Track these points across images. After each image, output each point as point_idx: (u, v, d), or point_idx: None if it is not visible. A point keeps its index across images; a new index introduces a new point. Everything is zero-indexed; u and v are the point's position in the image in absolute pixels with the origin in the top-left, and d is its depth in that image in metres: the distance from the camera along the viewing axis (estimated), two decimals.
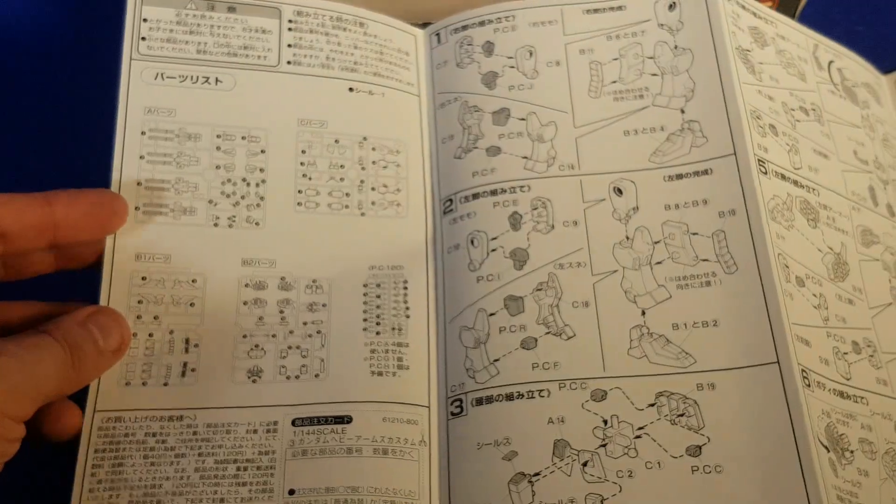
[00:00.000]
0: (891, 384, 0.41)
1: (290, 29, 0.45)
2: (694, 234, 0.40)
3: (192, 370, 0.38)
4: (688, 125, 0.43)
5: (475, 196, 0.43)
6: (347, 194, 0.43)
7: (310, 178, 0.43)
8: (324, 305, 0.40)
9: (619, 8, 0.46)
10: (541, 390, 0.38)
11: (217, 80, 0.43)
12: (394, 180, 0.44)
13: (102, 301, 0.38)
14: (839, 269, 0.42)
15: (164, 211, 0.40)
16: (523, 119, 0.44)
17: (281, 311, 0.40)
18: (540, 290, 0.40)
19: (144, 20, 0.43)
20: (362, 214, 0.43)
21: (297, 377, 0.39)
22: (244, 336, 0.39)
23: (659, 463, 0.36)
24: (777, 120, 0.44)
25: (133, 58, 0.42)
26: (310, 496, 0.36)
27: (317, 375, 0.39)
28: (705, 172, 0.41)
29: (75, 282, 0.40)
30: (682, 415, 0.37)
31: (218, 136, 0.42)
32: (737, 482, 0.35)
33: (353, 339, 0.40)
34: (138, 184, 0.40)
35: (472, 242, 0.42)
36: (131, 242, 0.39)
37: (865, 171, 0.47)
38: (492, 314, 0.40)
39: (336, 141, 0.44)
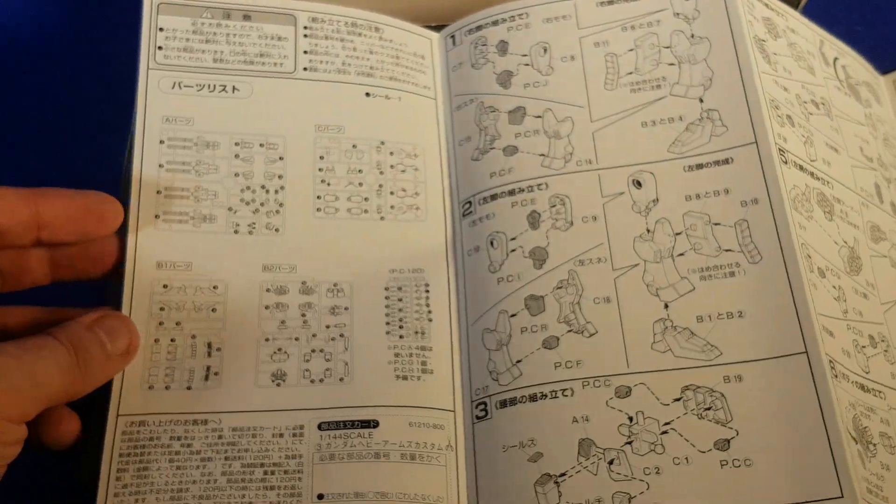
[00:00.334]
0: None
1: (305, 35, 0.45)
2: (716, 224, 0.39)
3: (216, 374, 0.38)
4: (707, 114, 0.42)
5: (493, 197, 0.43)
6: (366, 199, 0.43)
7: (328, 184, 0.42)
8: (346, 309, 0.40)
9: None
10: (564, 390, 0.38)
11: (234, 88, 0.43)
12: (412, 184, 0.44)
13: (125, 309, 0.38)
14: (853, 263, 0.41)
15: (184, 219, 0.40)
16: (539, 116, 0.44)
17: (303, 315, 0.40)
18: (560, 288, 0.40)
19: (160, 29, 0.43)
20: (381, 219, 0.42)
21: (321, 381, 0.39)
22: (267, 339, 0.39)
23: (687, 458, 0.35)
24: (792, 111, 0.43)
25: (150, 67, 0.42)
26: (338, 501, 0.36)
27: (341, 379, 0.39)
28: (726, 161, 0.41)
29: (84, 291, 0.40)
30: (709, 408, 0.36)
31: (236, 144, 0.42)
32: (767, 475, 0.34)
33: (376, 343, 0.40)
34: (158, 192, 0.40)
35: (491, 244, 0.42)
36: (152, 251, 0.39)
37: (871, 168, 0.46)
38: (513, 315, 0.40)
39: (354, 146, 0.43)
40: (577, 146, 0.43)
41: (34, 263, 0.37)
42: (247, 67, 0.43)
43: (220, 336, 0.39)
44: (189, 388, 0.38)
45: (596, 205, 0.41)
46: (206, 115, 0.42)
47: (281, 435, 0.37)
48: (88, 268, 0.39)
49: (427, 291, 0.41)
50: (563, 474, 0.36)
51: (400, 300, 0.41)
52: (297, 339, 0.39)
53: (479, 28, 0.47)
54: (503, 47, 0.46)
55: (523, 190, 0.42)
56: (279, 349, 0.39)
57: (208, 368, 0.38)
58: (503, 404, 0.38)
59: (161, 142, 0.41)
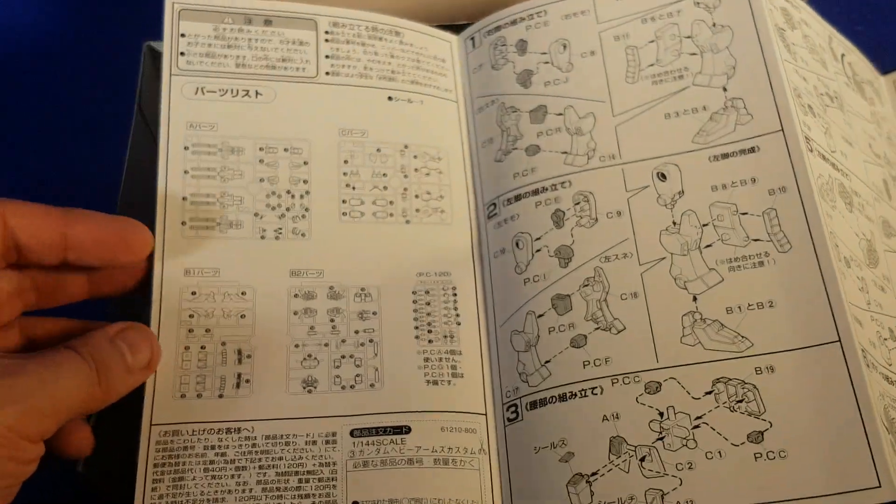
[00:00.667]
0: None
1: (326, 40, 0.45)
2: (744, 213, 0.38)
3: (247, 381, 0.38)
4: (731, 103, 0.41)
5: (517, 198, 0.42)
6: (391, 202, 0.43)
7: (353, 188, 0.42)
8: (374, 313, 0.40)
9: None
10: (593, 388, 0.37)
11: (257, 92, 0.43)
12: (437, 187, 0.43)
13: (153, 316, 0.38)
14: (872, 256, 0.40)
15: (210, 225, 0.40)
16: (560, 114, 0.43)
17: (332, 320, 0.40)
18: (587, 286, 0.39)
19: (182, 35, 0.43)
20: (407, 222, 0.42)
21: (352, 387, 0.38)
22: (296, 346, 0.39)
23: (720, 452, 0.34)
24: (813, 101, 0.42)
25: (173, 73, 0.42)
26: None
27: (372, 385, 0.38)
28: (752, 150, 0.40)
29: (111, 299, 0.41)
30: (741, 401, 0.35)
31: (260, 149, 0.42)
32: (803, 467, 0.33)
33: (405, 348, 0.39)
34: (184, 199, 0.40)
35: (517, 245, 0.41)
36: (180, 258, 0.39)
37: (879, 164, 0.45)
38: (540, 315, 0.39)
39: (378, 150, 0.43)
40: (599, 142, 0.42)
41: (70, 280, 0.37)
42: (269, 72, 0.43)
43: (251, 343, 0.39)
44: (221, 395, 0.38)
45: (620, 200, 0.41)
46: (229, 121, 0.42)
47: (314, 442, 0.37)
48: (127, 282, 0.39)
49: (455, 295, 0.41)
50: (594, 473, 0.35)
51: (428, 304, 0.41)
52: (326, 344, 0.39)
53: (497, 28, 0.47)
54: (522, 46, 0.46)
55: (547, 189, 0.42)
56: (309, 355, 0.39)
57: (239, 376, 0.38)
58: (533, 405, 0.38)
59: (186, 148, 0.41)
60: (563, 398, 0.37)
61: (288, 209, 0.41)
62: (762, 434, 0.34)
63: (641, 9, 0.45)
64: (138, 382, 0.36)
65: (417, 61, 0.46)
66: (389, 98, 0.44)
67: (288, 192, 0.42)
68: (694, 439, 0.35)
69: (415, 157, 0.44)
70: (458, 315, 0.41)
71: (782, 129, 0.39)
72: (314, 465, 0.37)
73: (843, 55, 0.48)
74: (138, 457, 0.36)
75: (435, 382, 0.39)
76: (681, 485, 0.34)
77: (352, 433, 0.37)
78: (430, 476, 0.37)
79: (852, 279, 0.38)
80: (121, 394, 0.35)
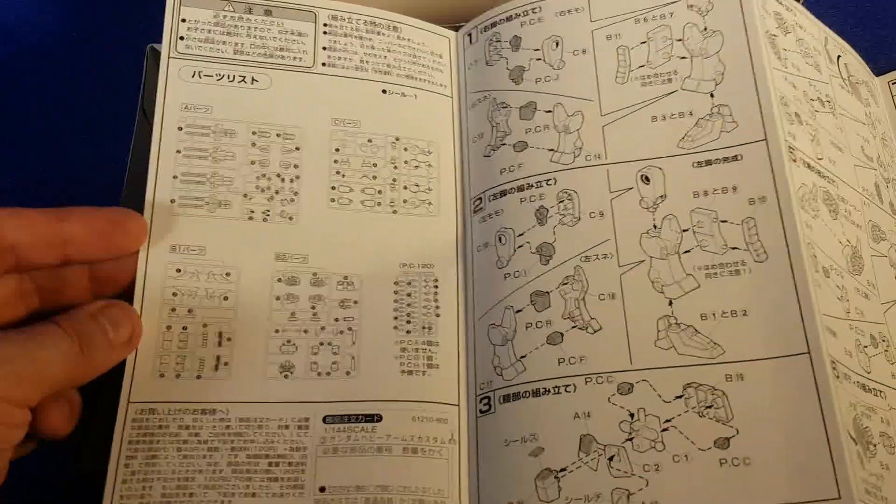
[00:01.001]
0: None
1: (325, 32, 0.45)
2: (723, 221, 0.38)
3: (226, 364, 0.38)
4: (717, 109, 0.41)
5: (503, 193, 0.42)
6: (380, 192, 0.42)
7: (343, 175, 0.42)
8: (355, 302, 0.40)
9: None
10: (567, 385, 0.37)
11: (253, 79, 0.43)
12: (425, 180, 0.43)
13: (137, 292, 0.38)
14: (856, 263, 0.40)
15: (199, 204, 0.40)
16: (549, 111, 0.43)
17: (313, 307, 0.40)
18: (566, 284, 0.39)
19: (183, 20, 0.43)
20: (394, 212, 0.42)
21: (328, 374, 0.38)
22: (276, 331, 0.39)
23: (686, 456, 0.35)
24: (801, 108, 0.42)
25: (171, 56, 0.42)
26: (340, 494, 0.36)
27: (348, 373, 0.38)
28: (735, 158, 0.40)
29: None
30: (710, 406, 0.35)
31: (253, 133, 0.42)
32: (766, 475, 0.33)
33: (383, 337, 0.39)
34: (174, 177, 0.40)
35: (499, 240, 0.41)
36: (166, 234, 0.39)
37: (871, 167, 0.45)
38: (519, 311, 0.39)
39: (369, 140, 0.43)
40: (586, 141, 0.42)
41: (72, 280, 0.37)
42: (266, 60, 0.43)
43: (232, 326, 0.39)
44: (199, 377, 0.38)
45: (604, 200, 0.40)
46: (224, 104, 0.42)
47: (287, 427, 0.37)
48: (128, 280, 0.39)
49: (436, 287, 0.41)
50: (563, 469, 0.36)
51: (409, 295, 0.41)
52: (305, 331, 0.39)
53: (493, 25, 0.46)
54: (516, 42, 0.45)
55: (532, 186, 0.42)
56: (288, 341, 0.39)
57: (218, 358, 0.38)
58: (506, 399, 0.38)
59: (179, 128, 0.41)
60: (536, 393, 0.38)
61: (277, 192, 0.41)
62: (728, 441, 0.34)
63: (635, 9, 0.44)
64: (120, 358, 0.36)
65: (414, 56, 0.46)
66: (384, 91, 0.44)
67: (278, 175, 0.42)
68: (662, 442, 0.35)
69: (405, 149, 0.44)
70: (437, 307, 0.41)
71: (766, 139, 0.39)
72: (285, 449, 0.37)
73: (838, 56, 0.48)
74: (112, 433, 0.36)
75: (410, 372, 0.39)
76: (647, 486, 0.34)
77: (324, 419, 0.38)
78: (399, 464, 0.37)
79: (831, 288, 0.38)
80: (103, 368, 0.35)
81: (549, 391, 0.37)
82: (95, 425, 0.37)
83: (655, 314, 0.38)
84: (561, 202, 0.41)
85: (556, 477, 0.36)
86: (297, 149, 0.42)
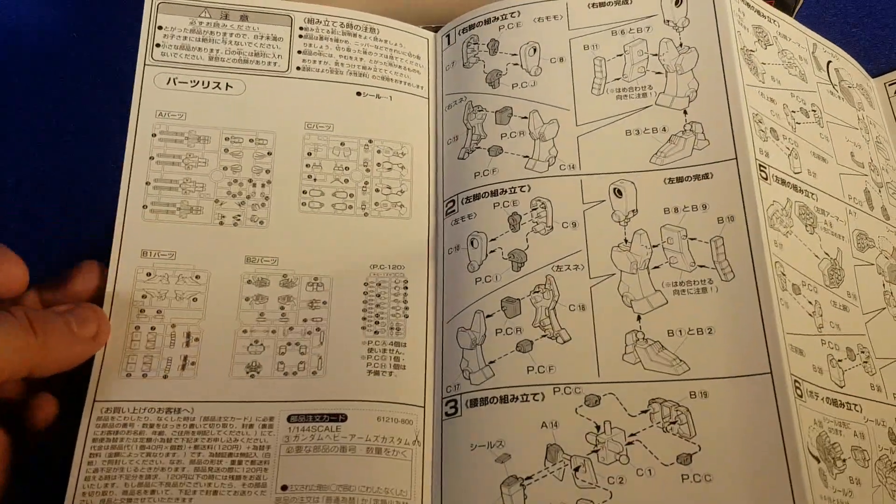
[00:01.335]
0: (885, 390, 0.39)
1: (300, 36, 0.44)
2: (692, 239, 0.39)
3: (192, 364, 0.38)
4: (690, 126, 0.41)
5: (476, 197, 0.42)
6: (351, 195, 0.42)
7: (315, 180, 0.42)
8: (324, 303, 0.40)
9: (626, 2, 0.45)
10: (535, 394, 0.37)
11: (228, 85, 0.43)
12: (398, 182, 0.43)
13: (107, 296, 0.38)
14: (834, 275, 0.41)
15: (171, 209, 0.40)
16: (525, 118, 0.43)
17: (282, 308, 0.39)
18: (537, 292, 0.39)
19: (159, 27, 0.43)
20: (365, 215, 0.42)
21: (294, 373, 0.38)
22: (244, 331, 0.39)
23: (650, 470, 0.35)
24: (778, 123, 0.42)
25: (147, 63, 0.42)
26: (302, 493, 0.36)
27: (314, 373, 0.38)
28: (706, 176, 0.40)
29: None
30: (674, 422, 0.36)
31: (226, 139, 0.42)
32: (726, 492, 0.34)
33: (351, 338, 0.39)
34: (147, 183, 0.40)
35: (471, 243, 0.41)
36: (137, 239, 0.39)
37: (861, 173, 0.45)
38: (489, 316, 0.39)
39: (342, 143, 0.43)
40: (561, 150, 0.42)
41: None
42: (241, 66, 0.43)
43: (200, 326, 0.38)
44: (165, 376, 0.37)
45: (576, 211, 0.41)
46: (198, 111, 0.42)
47: (251, 426, 0.37)
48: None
49: (406, 288, 0.41)
50: (529, 477, 0.36)
51: (378, 296, 0.40)
52: (273, 331, 0.39)
53: (471, 27, 0.46)
54: (494, 46, 0.45)
55: (506, 191, 0.42)
56: (256, 341, 0.39)
57: (185, 358, 0.38)
58: (473, 403, 0.38)
59: (153, 135, 0.41)
60: (504, 400, 0.38)
61: (248, 197, 0.41)
62: (691, 457, 0.35)
63: (612, 20, 0.45)
64: (86, 353, 0.36)
65: (391, 58, 0.45)
66: (358, 93, 0.44)
67: (250, 180, 0.41)
68: (627, 455, 0.35)
69: (378, 151, 0.43)
70: (406, 308, 0.41)
71: (736, 158, 0.40)
72: (248, 447, 0.37)
73: (829, 62, 0.48)
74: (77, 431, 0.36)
75: (376, 373, 0.39)
76: (610, 498, 0.35)
77: (289, 418, 0.37)
78: (362, 464, 0.37)
79: (802, 305, 0.38)
80: (67, 360, 0.35)
81: (517, 398, 0.37)
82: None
83: (624, 328, 0.38)
84: (534, 210, 0.41)
85: (521, 484, 0.36)
86: (270, 154, 0.42)
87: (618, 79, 0.43)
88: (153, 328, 0.38)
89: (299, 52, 0.44)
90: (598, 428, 0.36)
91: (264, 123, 0.42)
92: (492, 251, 0.41)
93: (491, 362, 0.38)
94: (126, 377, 0.37)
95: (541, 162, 0.42)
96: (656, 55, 0.43)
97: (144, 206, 0.40)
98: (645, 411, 0.36)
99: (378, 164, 0.43)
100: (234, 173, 0.41)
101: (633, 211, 0.40)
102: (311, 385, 0.38)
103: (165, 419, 0.37)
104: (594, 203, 0.41)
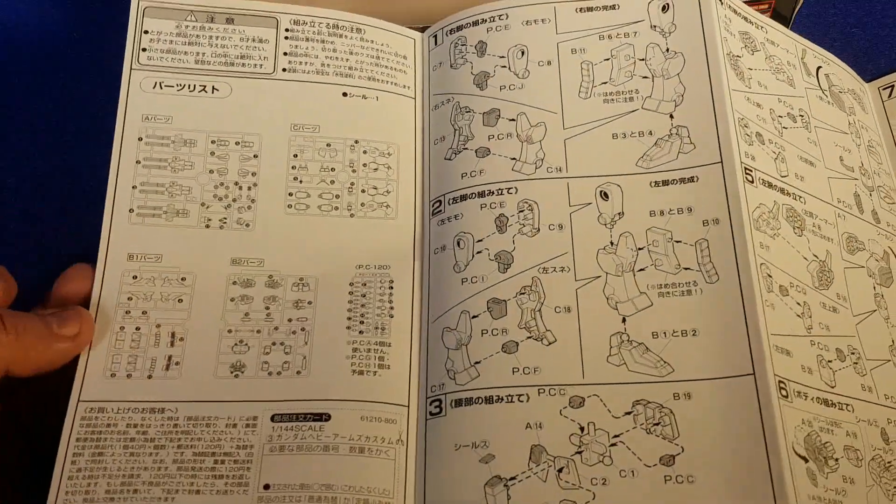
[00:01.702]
0: (875, 391, 0.39)
1: (286, 38, 0.45)
2: (677, 241, 0.39)
3: (177, 364, 0.38)
4: (676, 130, 0.41)
5: (463, 198, 0.42)
6: (337, 196, 0.42)
7: (300, 181, 0.42)
8: (309, 303, 0.40)
9: (613, 7, 0.45)
10: (520, 395, 0.37)
11: (214, 88, 0.43)
12: (384, 182, 0.43)
13: (93, 299, 0.38)
14: (824, 277, 0.41)
15: (157, 213, 0.40)
16: (513, 120, 0.43)
17: (267, 308, 0.39)
18: (523, 293, 0.39)
19: (146, 32, 0.43)
20: (351, 215, 0.42)
21: (278, 373, 0.38)
22: (229, 331, 0.39)
23: (633, 471, 0.35)
24: (764, 128, 0.43)
25: (133, 67, 0.43)
26: (284, 492, 0.36)
27: (298, 372, 0.38)
28: (691, 180, 0.41)
29: None
30: (657, 424, 0.36)
31: (213, 142, 0.42)
32: (708, 493, 0.34)
33: (336, 337, 0.39)
34: (133, 187, 0.41)
35: (458, 244, 0.41)
36: (124, 243, 0.40)
37: (851, 177, 0.46)
38: (475, 316, 0.39)
39: (328, 145, 0.43)
40: (548, 152, 0.42)
41: None
42: (227, 69, 0.43)
43: (185, 326, 0.38)
44: (150, 376, 0.37)
45: (563, 213, 0.41)
46: (185, 114, 0.42)
47: (234, 425, 0.37)
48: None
49: (391, 288, 0.41)
50: (513, 478, 0.36)
51: (363, 296, 0.41)
52: (258, 331, 0.39)
53: (460, 28, 0.46)
54: (482, 48, 0.45)
55: (493, 192, 0.42)
56: (241, 341, 0.39)
57: (170, 358, 0.38)
58: (458, 403, 0.38)
59: (140, 139, 0.41)
60: (489, 400, 0.38)
61: (234, 200, 0.41)
62: (674, 458, 0.35)
63: (600, 25, 0.45)
64: (68, 353, 0.36)
65: (377, 58, 0.45)
66: (344, 94, 0.44)
67: (236, 183, 0.41)
68: (610, 456, 0.36)
69: (364, 152, 0.43)
70: (391, 308, 0.41)
71: (721, 162, 0.40)
72: (231, 447, 0.37)
73: (818, 68, 0.49)
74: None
75: (360, 372, 0.39)
76: (593, 499, 0.35)
77: (272, 418, 0.37)
78: (345, 463, 0.37)
79: (788, 307, 0.38)
80: (48, 359, 0.36)
81: (502, 399, 0.38)
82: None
83: (609, 330, 0.38)
84: (521, 212, 0.41)
85: (505, 485, 0.36)
86: (256, 156, 0.42)
87: (605, 83, 0.44)
88: (138, 328, 0.38)
89: (285, 53, 0.44)
90: (581, 429, 0.36)
91: (250, 126, 0.43)
92: (478, 252, 0.41)
93: (476, 363, 0.39)
94: (110, 377, 0.37)
95: (528, 164, 0.42)
96: (643, 60, 0.44)
97: (131, 210, 0.40)
98: (629, 413, 0.36)
99: (364, 165, 0.43)
100: (220, 176, 0.41)
101: (619, 214, 0.40)
102: (296, 385, 0.38)
103: (149, 419, 0.37)
104: (581, 206, 0.41)
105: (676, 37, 0.44)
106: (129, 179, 0.41)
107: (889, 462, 0.38)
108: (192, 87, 0.43)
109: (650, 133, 0.42)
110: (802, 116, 0.45)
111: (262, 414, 0.37)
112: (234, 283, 0.40)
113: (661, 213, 0.40)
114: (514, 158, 0.42)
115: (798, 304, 0.39)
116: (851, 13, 0.59)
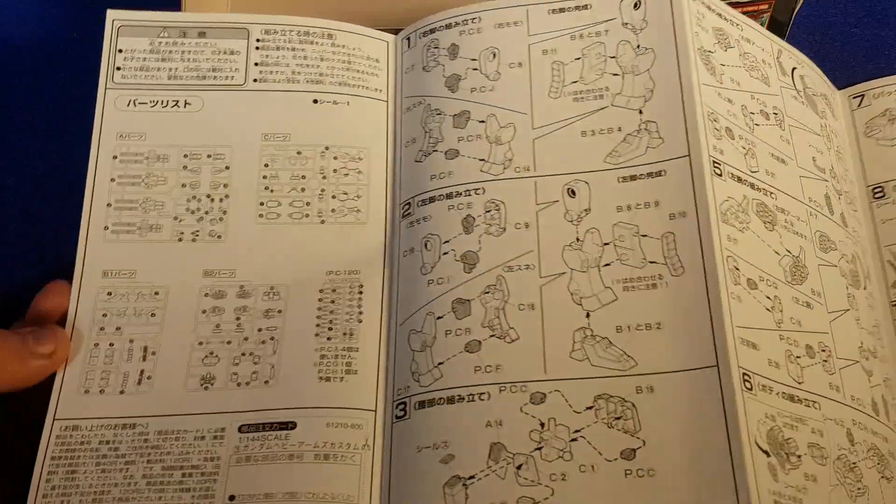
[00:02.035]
0: (843, 391, 0.39)
1: (257, 48, 0.45)
2: (644, 235, 0.39)
3: (148, 378, 0.38)
4: (645, 126, 0.41)
5: (431, 199, 0.42)
6: (308, 203, 0.43)
7: (272, 191, 0.43)
8: (279, 312, 0.40)
9: (585, 7, 0.45)
10: (481, 393, 0.37)
11: (186, 102, 0.44)
12: (354, 187, 0.43)
13: (69, 318, 0.39)
14: (797, 273, 0.40)
15: (131, 230, 0.41)
16: (482, 121, 0.43)
17: (237, 319, 0.40)
18: (487, 293, 0.39)
19: (119, 51, 0.44)
20: (322, 222, 0.42)
21: (247, 383, 0.39)
22: (200, 343, 0.39)
23: (593, 466, 0.35)
24: (734, 123, 0.42)
25: (108, 87, 0.43)
26: (248, 502, 0.36)
27: (266, 382, 0.39)
28: (659, 174, 0.40)
29: None
30: (619, 418, 0.35)
31: (185, 156, 0.43)
32: (669, 485, 0.34)
33: (304, 345, 0.40)
34: (108, 205, 0.41)
35: (425, 246, 0.41)
36: (99, 261, 0.40)
37: (822, 178, 0.45)
38: (439, 317, 0.39)
39: (298, 153, 0.43)
40: (516, 153, 0.42)
41: None
42: (199, 82, 0.44)
43: (157, 340, 0.39)
44: (122, 392, 0.38)
45: (530, 212, 0.41)
46: (158, 130, 0.43)
47: (203, 438, 0.38)
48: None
49: (360, 293, 0.41)
50: (471, 477, 0.36)
51: (333, 302, 0.41)
52: (229, 342, 0.39)
53: (432, 31, 0.47)
54: (454, 51, 0.46)
55: (460, 194, 0.42)
56: (211, 353, 0.39)
57: (142, 372, 0.39)
58: (421, 405, 0.38)
59: (115, 157, 0.42)
60: (450, 401, 0.38)
61: (206, 212, 0.42)
62: (635, 452, 0.35)
63: (572, 25, 0.45)
64: (43, 371, 0.37)
65: (348, 62, 0.46)
66: (315, 101, 0.45)
67: (208, 196, 0.42)
68: (570, 452, 0.35)
69: (335, 158, 0.44)
70: (360, 312, 0.41)
71: (689, 155, 0.40)
72: (199, 459, 0.37)
73: (793, 69, 0.48)
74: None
75: (327, 379, 0.39)
76: (552, 495, 0.35)
77: (240, 429, 0.38)
78: (309, 471, 0.37)
79: (758, 300, 0.38)
80: (23, 376, 0.37)
81: (463, 398, 0.37)
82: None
83: (572, 326, 0.38)
84: (488, 212, 0.41)
85: (464, 484, 0.36)
86: (227, 168, 0.43)
87: (575, 81, 0.44)
88: (111, 344, 0.39)
89: (256, 64, 0.45)
90: (542, 425, 0.36)
91: (222, 138, 0.43)
92: (444, 253, 0.41)
93: (440, 364, 0.39)
94: (84, 394, 0.38)
95: (496, 165, 0.42)
96: (614, 57, 0.44)
97: (105, 228, 0.41)
98: (590, 408, 0.36)
99: (335, 171, 0.43)
100: (192, 189, 0.42)
101: (585, 210, 0.40)
102: (263, 394, 0.39)
103: (121, 435, 0.37)
104: (547, 203, 0.41)
105: (647, 33, 0.44)
106: (104, 197, 0.42)
107: (854, 463, 0.37)
108: (164, 103, 0.44)
109: (619, 129, 0.42)
110: (776, 114, 0.45)
111: (230, 425, 0.38)
112: (207, 294, 0.40)
113: (629, 207, 0.40)
114: (482, 160, 0.43)
115: (768, 297, 0.38)
116: (851, 13, 0.58)
